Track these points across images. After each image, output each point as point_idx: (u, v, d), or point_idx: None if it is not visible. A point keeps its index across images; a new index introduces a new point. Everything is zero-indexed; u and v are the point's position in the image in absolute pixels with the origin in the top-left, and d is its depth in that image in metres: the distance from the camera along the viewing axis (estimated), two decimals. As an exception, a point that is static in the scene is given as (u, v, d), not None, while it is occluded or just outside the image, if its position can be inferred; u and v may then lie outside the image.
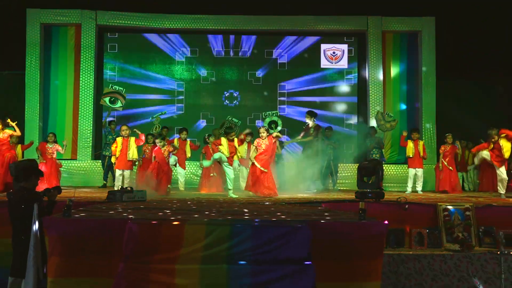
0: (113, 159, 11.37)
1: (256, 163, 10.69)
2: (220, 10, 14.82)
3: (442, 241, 7.72)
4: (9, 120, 10.97)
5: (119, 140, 11.25)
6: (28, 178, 6.39)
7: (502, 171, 10.81)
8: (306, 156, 12.11)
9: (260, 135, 10.95)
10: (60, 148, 11.76)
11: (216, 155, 10.83)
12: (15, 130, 11.07)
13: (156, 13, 14.91)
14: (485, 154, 11.22)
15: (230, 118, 14.27)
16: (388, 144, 14.58)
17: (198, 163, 13.01)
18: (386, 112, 14.15)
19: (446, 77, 14.69)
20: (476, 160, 12.10)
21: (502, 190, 10.76)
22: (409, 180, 12.21)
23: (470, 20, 13.47)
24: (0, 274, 6.65)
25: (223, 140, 10.89)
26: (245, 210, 6.86)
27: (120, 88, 14.30)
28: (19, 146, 11.86)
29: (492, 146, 10.90)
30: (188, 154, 12.32)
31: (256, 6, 14.51)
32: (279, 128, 13.25)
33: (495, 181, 11.15)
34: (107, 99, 13.90)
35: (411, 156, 12.09)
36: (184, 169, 12.44)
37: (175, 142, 11.97)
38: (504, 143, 10.71)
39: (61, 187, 6.62)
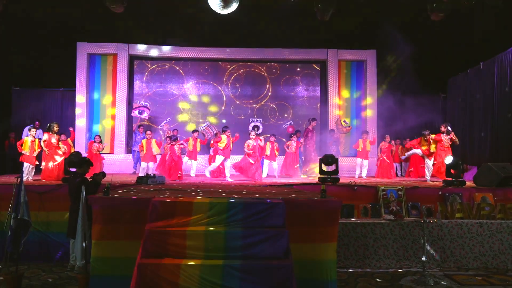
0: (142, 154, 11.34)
1: (247, 157, 10.74)
2: (222, 44, 14.79)
3: (381, 212, 7.77)
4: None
5: (144, 141, 11.25)
6: (81, 167, 6.45)
7: (429, 162, 10.89)
8: None
9: (250, 137, 10.95)
10: (101, 146, 11.88)
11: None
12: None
13: (171, 46, 14.84)
14: (416, 151, 11.33)
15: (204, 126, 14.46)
16: (342, 142, 14.59)
17: (206, 156, 12.98)
18: (343, 119, 14.21)
19: (385, 93, 14.75)
20: (406, 154, 12.28)
21: (428, 175, 10.84)
22: (357, 167, 12.28)
23: (399, 50, 13.50)
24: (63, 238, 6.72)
25: (223, 137, 10.84)
26: (238, 190, 6.86)
27: (145, 103, 14.29)
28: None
29: (424, 143, 10.94)
30: (198, 149, 12.28)
31: (248, 41, 14.52)
32: (260, 130, 13.32)
33: (421, 170, 11.27)
34: (136, 111, 13.96)
35: (360, 150, 12.17)
36: (196, 160, 12.38)
37: (190, 140, 11.99)
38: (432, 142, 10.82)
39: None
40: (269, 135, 12.85)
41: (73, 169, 7.21)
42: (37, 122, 12.20)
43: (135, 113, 14.06)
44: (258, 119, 14.72)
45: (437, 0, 10.60)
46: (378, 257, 7.01)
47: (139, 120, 14.16)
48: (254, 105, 15.31)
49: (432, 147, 10.75)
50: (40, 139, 9.95)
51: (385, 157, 12.36)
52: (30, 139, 9.69)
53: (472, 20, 11.78)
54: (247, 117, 15.17)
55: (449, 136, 10.59)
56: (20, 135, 12.80)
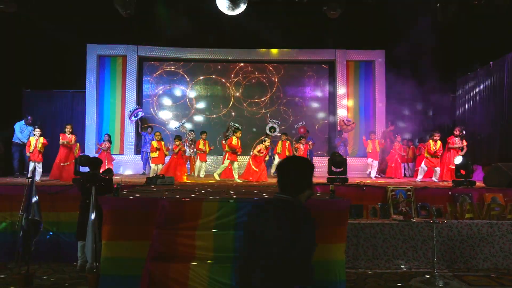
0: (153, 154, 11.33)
1: (251, 166, 10.76)
2: (231, 45, 14.81)
3: (390, 213, 7.72)
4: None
5: (154, 143, 11.24)
6: (95, 168, 6.51)
7: (436, 169, 10.86)
8: None
9: (264, 143, 10.94)
10: (108, 144, 12.24)
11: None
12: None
13: (179, 47, 14.90)
14: (424, 167, 11.11)
15: (232, 123, 14.34)
16: (351, 142, 14.57)
17: (213, 157, 13.02)
18: (346, 118, 14.16)
19: (393, 93, 14.69)
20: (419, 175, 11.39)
21: (435, 177, 10.79)
22: (368, 166, 12.24)
23: (409, 50, 13.43)
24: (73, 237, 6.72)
25: (234, 139, 10.83)
26: (247, 191, 6.86)
27: (135, 106, 14.27)
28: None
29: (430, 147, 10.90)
30: (207, 150, 12.31)
31: (257, 42, 14.55)
32: (277, 132, 13.27)
33: (430, 170, 11.20)
34: (133, 117, 13.94)
35: (370, 151, 12.11)
36: (205, 161, 12.40)
37: (200, 143, 12.04)
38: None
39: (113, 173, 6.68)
40: (279, 134, 12.84)
41: (84, 169, 7.27)
42: (29, 117, 12.19)
43: (132, 119, 14.04)
44: (276, 121, 14.71)
45: (445, 0, 10.53)
46: (388, 258, 6.96)
47: (139, 119, 14.17)
48: (263, 106, 15.30)
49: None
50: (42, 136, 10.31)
51: (397, 157, 12.36)
52: (35, 138, 9.97)
53: (481, 19, 11.68)
54: (255, 118, 15.17)
55: (462, 140, 10.68)
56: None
